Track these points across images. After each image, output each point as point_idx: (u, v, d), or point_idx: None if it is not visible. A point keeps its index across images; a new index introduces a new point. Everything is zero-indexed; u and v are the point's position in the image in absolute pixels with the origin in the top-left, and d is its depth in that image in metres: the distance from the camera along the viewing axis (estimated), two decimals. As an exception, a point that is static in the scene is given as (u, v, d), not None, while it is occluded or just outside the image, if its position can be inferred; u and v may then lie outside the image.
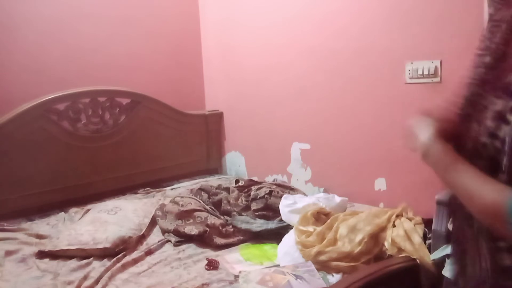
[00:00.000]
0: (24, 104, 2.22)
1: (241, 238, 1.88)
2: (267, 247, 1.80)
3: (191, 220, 1.95)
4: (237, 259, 1.70)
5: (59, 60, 2.45)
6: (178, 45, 2.99)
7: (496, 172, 0.70)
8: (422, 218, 1.61)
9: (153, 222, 2.04)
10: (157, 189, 2.61)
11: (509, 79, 0.71)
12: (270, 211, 2.05)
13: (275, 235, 1.84)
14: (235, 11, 2.80)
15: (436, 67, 1.84)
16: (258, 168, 2.82)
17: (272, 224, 1.92)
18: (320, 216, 1.76)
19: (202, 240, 1.85)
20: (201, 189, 2.35)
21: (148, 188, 2.62)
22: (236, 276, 1.53)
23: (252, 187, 2.28)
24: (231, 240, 1.86)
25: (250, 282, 1.46)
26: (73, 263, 1.68)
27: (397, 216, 1.62)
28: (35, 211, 2.22)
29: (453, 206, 0.83)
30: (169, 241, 1.88)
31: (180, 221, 1.95)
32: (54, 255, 1.73)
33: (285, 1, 2.46)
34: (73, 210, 2.23)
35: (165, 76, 2.93)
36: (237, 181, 2.46)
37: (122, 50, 2.71)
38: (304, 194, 2.23)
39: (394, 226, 1.57)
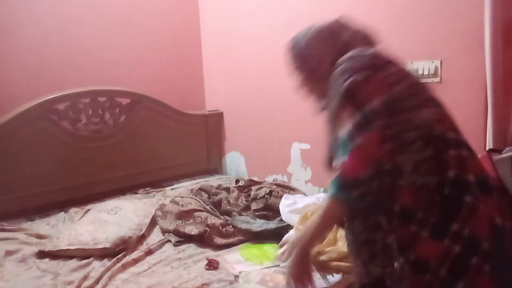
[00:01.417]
0: (24, 104, 2.22)
1: (241, 238, 1.88)
2: (267, 247, 1.80)
3: (191, 220, 1.95)
4: (237, 259, 1.69)
5: (59, 60, 2.45)
6: (178, 45, 2.99)
7: None
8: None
9: (153, 222, 2.04)
10: (157, 189, 2.62)
11: None
12: (270, 211, 2.05)
13: (275, 235, 1.84)
14: (235, 11, 2.80)
15: (436, 67, 1.84)
16: (258, 168, 2.82)
17: (272, 224, 1.92)
18: (320, 216, 1.76)
19: (202, 240, 1.85)
20: (201, 189, 2.35)
21: (148, 188, 2.63)
22: (236, 276, 1.53)
23: (252, 187, 2.28)
24: (231, 240, 1.86)
25: (250, 282, 1.46)
26: (73, 263, 1.67)
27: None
28: (35, 211, 2.23)
29: None
30: (169, 241, 1.88)
31: (180, 221, 1.95)
32: (54, 255, 1.73)
33: (285, 2, 2.46)
34: (73, 210, 2.23)
35: (165, 76, 2.93)
36: (237, 181, 2.47)
37: (122, 50, 2.71)
38: (304, 194, 2.23)
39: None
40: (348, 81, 1.02)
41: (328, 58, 1.12)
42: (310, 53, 1.15)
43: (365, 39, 1.17)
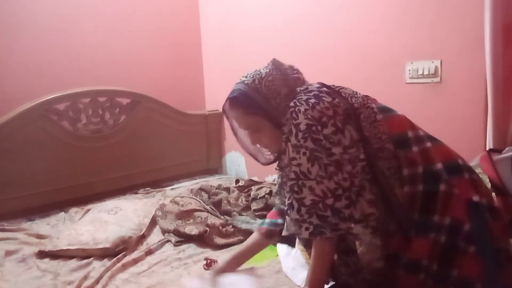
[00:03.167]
0: (24, 104, 2.22)
1: (241, 238, 1.87)
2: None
3: (191, 220, 1.95)
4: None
5: (59, 60, 2.45)
6: (179, 45, 2.99)
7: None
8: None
9: (153, 222, 2.04)
10: (157, 189, 2.62)
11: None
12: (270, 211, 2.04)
13: (275, 235, 1.84)
14: (235, 10, 2.80)
15: (436, 67, 1.84)
16: (258, 168, 2.79)
17: (272, 224, 1.92)
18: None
19: (202, 240, 1.85)
20: (201, 189, 2.35)
21: (148, 188, 2.63)
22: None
23: (252, 187, 2.28)
24: (231, 240, 1.86)
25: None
26: (73, 263, 1.68)
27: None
28: (35, 211, 2.23)
29: None
30: (169, 241, 1.88)
31: (180, 221, 1.95)
32: (54, 255, 1.73)
33: (285, 2, 2.46)
34: (73, 210, 2.23)
35: (165, 76, 2.93)
36: (237, 181, 2.47)
37: (122, 50, 2.71)
38: (304, 194, 2.23)
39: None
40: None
41: (284, 89, 1.12)
42: (270, 90, 1.11)
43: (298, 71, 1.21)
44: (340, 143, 1.02)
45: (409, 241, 1.02)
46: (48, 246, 1.77)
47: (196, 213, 1.98)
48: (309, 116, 1.02)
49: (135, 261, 1.69)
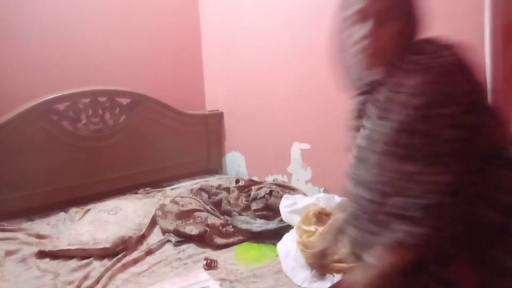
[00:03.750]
0: (24, 104, 2.22)
1: (241, 238, 1.88)
2: (265, 248, 1.79)
3: (191, 220, 1.95)
4: (232, 259, 1.69)
5: (59, 59, 2.45)
6: (179, 45, 3.00)
7: None
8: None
9: (153, 222, 2.04)
10: (157, 189, 2.62)
11: None
12: (270, 211, 2.05)
13: (275, 235, 1.84)
14: (235, 11, 2.80)
15: (436, 67, 1.84)
16: (258, 168, 2.82)
17: (272, 224, 1.92)
18: (322, 217, 1.76)
19: (202, 240, 1.85)
20: (201, 189, 2.35)
21: (148, 188, 2.63)
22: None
23: (252, 187, 2.28)
24: (231, 240, 1.86)
25: None
26: (73, 263, 1.68)
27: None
28: (35, 211, 2.23)
29: None
30: (169, 241, 1.88)
31: (180, 221, 1.95)
32: (54, 255, 1.73)
33: (285, 2, 2.46)
34: (73, 210, 2.23)
35: (165, 76, 2.93)
36: (237, 181, 2.47)
37: (122, 50, 2.71)
38: (304, 194, 2.23)
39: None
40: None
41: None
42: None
43: None
44: (451, 134, 0.82)
45: (454, 261, 0.86)
46: (48, 246, 1.77)
47: (196, 213, 1.98)
48: (431, 92, 0.83)
49: (135, 261, 1.70)
